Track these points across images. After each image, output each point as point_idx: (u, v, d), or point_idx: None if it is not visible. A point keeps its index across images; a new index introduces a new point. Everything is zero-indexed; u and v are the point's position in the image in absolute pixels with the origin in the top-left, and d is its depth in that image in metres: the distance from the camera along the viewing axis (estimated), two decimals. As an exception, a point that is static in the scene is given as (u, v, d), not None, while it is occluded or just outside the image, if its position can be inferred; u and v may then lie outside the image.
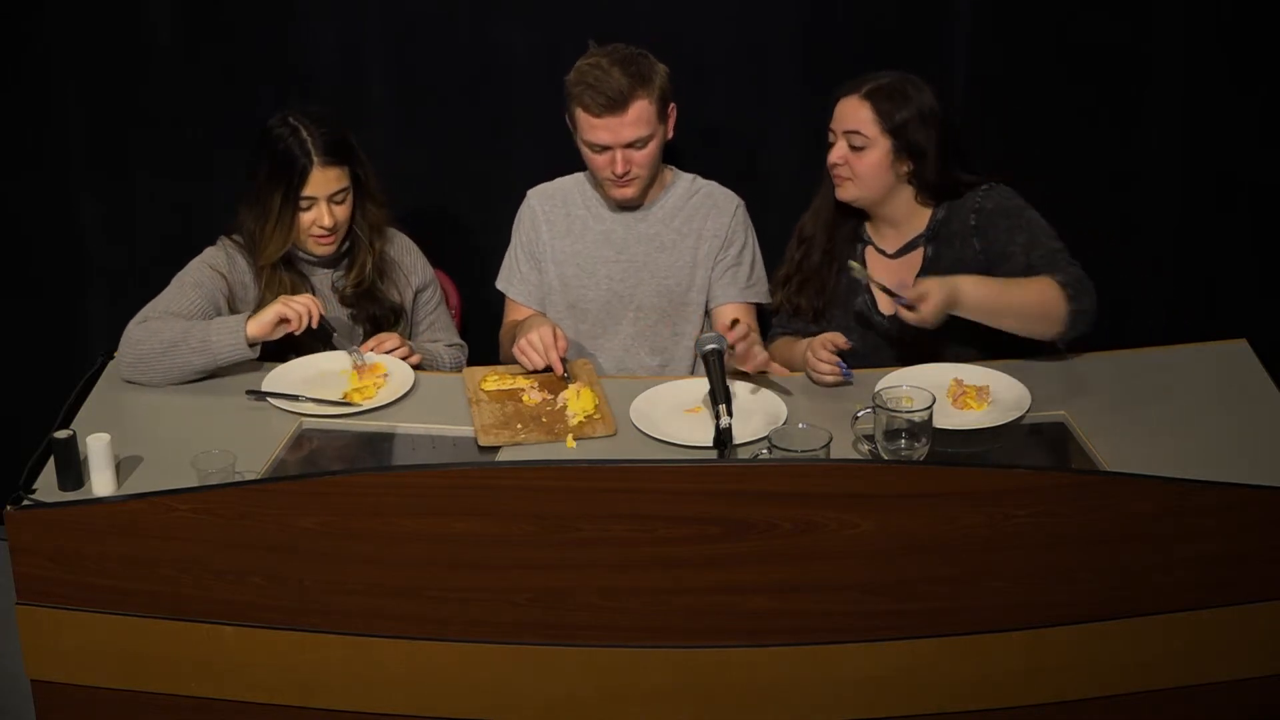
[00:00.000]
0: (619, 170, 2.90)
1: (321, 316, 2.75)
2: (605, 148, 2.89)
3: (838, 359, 2.67)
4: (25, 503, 2.33)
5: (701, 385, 2.63)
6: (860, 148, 2.79)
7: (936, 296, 2.59)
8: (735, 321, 2.65)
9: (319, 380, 2.75)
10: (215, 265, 2.87)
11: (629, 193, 2.95)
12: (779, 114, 3.33)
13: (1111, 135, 3.33)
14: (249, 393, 2.69)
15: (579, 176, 3.08)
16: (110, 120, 3.42)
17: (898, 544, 2.16)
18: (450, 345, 3.06)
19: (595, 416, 2.60)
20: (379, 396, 2.69)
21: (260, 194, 2.85)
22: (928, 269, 2.83)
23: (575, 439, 2.54)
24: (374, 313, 2.97)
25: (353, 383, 2.73)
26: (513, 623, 2.21)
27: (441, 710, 2.27)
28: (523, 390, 2.70)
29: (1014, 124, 3.31)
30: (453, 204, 3.47)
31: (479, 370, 2.81)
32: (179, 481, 2.32)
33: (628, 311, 3.03)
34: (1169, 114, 3.30)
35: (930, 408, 2.42)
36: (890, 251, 2.90)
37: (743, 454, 2.43)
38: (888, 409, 2.42)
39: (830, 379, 2.68)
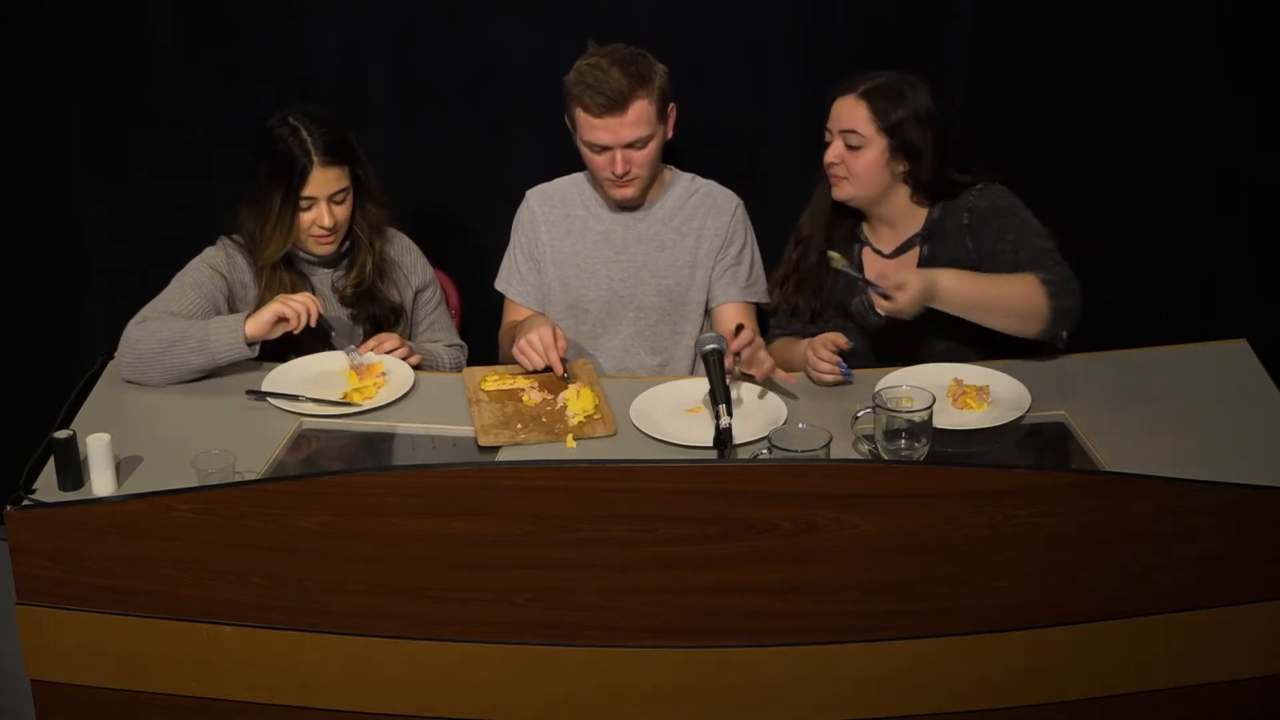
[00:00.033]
0: (619, 170, 2.90)
1: (320, 315, 2.75)
2: (605, 148, 2.89)
3: (838, 359, 2.68)
4: (25, 503, 2.33)
5: (701, 385, 2.63)
6: (856, 147, 2.80)
7: (914, 287, 2.60)
8: (740, 328, 2.64)
9: (319, 380, 2.74)
10: (215, 265, 2.87)
11: (629, 193, 2.96)
12: (779, 114, 3.33)
13: (1111, 135, 3.33)
14: (249, 393, 2.69)
15: (578, 177, 3.08)
16: (110, 120, 3.42)
17: (898, 544, 2.16)
18: (450, 345, 3.06)
19: (595, 416, 2.60)
20: (379, 396, 2.69)
21: (260, 194, 2.85)
22: (923, 269, 2.83)
23: (575, 439, 2.54)
24: (374, 313, 2.97)
25: (353, 383, 2.73)
26: (513, 623, 2.21)
27: (441, 710, 2.28)
28: (523, 390, 2.70)
29: (1014, 124, 3.31)
30: (453, 204, 3.47)
31: (479, 370, 2.81)
32: (179, 481, 2.32)
33: (628, 311, 3.03)
34: (1169, 114, 3.30)
35: (930, 408, 2.42)
36: (887, 251, 2.91)
37: (743, 454, 2.43)
38: (888, 409, 2.42)
39: (830, 378, 2.68)
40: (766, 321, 3.05)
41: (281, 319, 2.71)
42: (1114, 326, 3.33)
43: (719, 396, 2.44)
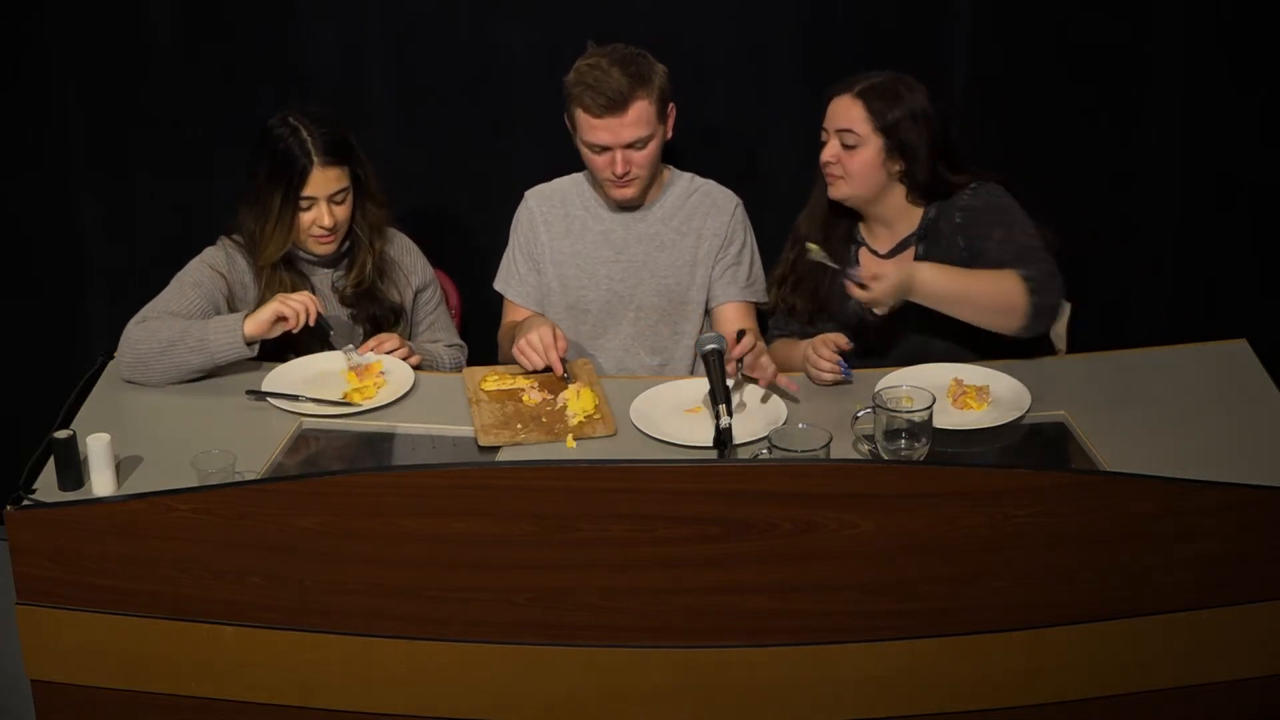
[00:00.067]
0: (619, 171, 2.90)
1: (319, 314, 2.75)
2: (605, 148, 2.89)
3: (838, 358, 2.67)
4: (25, 503, 2.33)
5: (701, 385, 2.63)
6: (852, 146, 2.80)
7: (891, 278, 2.61)
8: (741, 333, 2.64)
9: (319, 380, 2.74)
10: (215, 265, 2.88)
11: (629, 193, 2.95)
12: (779, 114, 3.33)
13: (1111, 135, 3.33)
14: (249, 393, 2.69)
15: (577, 177, 3.08)
16: (110, 120, 3.42)
17: (898, 544, 2.16)
18: (450, 345, 3.06)
19: (595, 416, 2.60)
20: (379, 396, 2.69)
21: (260, 194, 2.85)
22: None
23: (575, 439, 2.54)
24: (374, 313, 2.97)
25: (353, 383, 2.73)
26: (513, 623, 2.21)
27: (441, 710, 2.27)
28: (523, 390, 2.70)
29: (1014, 124, 3.32)
30: (453, 204, 3.47)
31: (479, 370, 2.81)
32: (179, 481, 2.32)
33: (627, 311, 3.03)
34: (1169, 114, 3.30)
35: (930, 408, 2.42)
36: (883, 251, 2.91)
37: (743, 454, 2.43)
38: (888, 409, 2.42)
39: (830, 378, 2.68)
40: (765, 323, 3.05)
41: (280, 318, 2.71)
42: (1114, 326, 3.33)
43: (719, 396, 2.44)
